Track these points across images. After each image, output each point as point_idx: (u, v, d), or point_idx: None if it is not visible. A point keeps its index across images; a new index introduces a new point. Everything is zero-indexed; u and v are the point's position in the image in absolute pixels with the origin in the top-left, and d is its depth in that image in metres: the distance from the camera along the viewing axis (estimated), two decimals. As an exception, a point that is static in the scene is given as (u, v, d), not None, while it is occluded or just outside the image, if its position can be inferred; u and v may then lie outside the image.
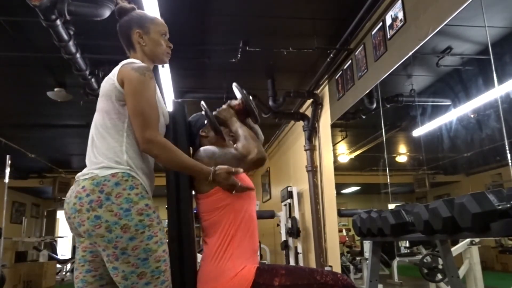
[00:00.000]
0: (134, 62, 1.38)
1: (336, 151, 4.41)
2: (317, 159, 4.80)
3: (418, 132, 3.23)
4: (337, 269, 4.14)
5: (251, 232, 1.45)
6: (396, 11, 2.85)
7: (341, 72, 3.97)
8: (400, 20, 2.80)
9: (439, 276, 2.86)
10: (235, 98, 1.68)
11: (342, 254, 4.70)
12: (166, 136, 1.47)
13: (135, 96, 1.27)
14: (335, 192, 4.27)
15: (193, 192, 1.51)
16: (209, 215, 1.43)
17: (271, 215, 5.54)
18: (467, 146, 2.73)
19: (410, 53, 2.68)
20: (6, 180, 4.90)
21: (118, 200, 1.21)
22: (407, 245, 5.02)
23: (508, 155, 1.95)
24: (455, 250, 3.08)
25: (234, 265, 1.35)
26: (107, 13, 2.77)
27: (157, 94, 1.38)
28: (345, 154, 4.66)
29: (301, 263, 5.05)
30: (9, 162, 4.88)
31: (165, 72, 3.68)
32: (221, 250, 1.38)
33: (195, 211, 1.51)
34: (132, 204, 1.23)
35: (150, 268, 1.22)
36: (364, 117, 3.91)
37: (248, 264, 1.37)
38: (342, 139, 4.56)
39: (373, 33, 3.21)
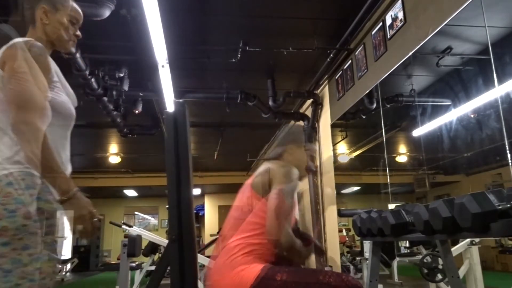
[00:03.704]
0: (22, 40, 1.23)
1: (336, 151, 4.41)
2: (317, 159, 4.80)
3: (418, 132, 3.23)
4: (337, 269, 4.14)
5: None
6: (396, 11, 2.85)
7: (341, 72, 3.97)
8: (400, 20, 2.80)
9: (439, 276, 2.86)
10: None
11: (342, 254, 4.70)
12: (167, 136, 1.47)
13: (12, 74, 1.13)
14: (335, 192, 4.27)
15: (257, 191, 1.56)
16: (257, 216, 1.49)
17: (271, 215, 5.53)
18: (467, 146, 2.73)
19: (410, 53, 2.68)
20: (6, 180, 4.88)
21: (5, 200, 1.06)
22: (407, 245, 5.02)
23: (508, 155, 1.95)
24: (455, 250, 3.08)
25: (245, 261, 1.42)
26: (107, 13, 2.77)
27: (51, 74, 1.23)
28: (345, 154, 4.66)
29: (301, 263, 5.05)
30: (9, 162, 4.87)
31: (165, 72, 3.68)
32: (241, 247, 1.44)
33: (195, 211, 1.52)
34: (20, 205, 1.07)
35: (8, 284, 1.01)
36: (364, 117, 3.91)
37: (260, 263, 1.42)
38: (342, 139, 4.56)
39: (373, 33, 3.21)
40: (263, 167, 1.63)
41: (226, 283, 1.41)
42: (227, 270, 1.42)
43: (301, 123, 5.02)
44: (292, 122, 5.68)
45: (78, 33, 1.37)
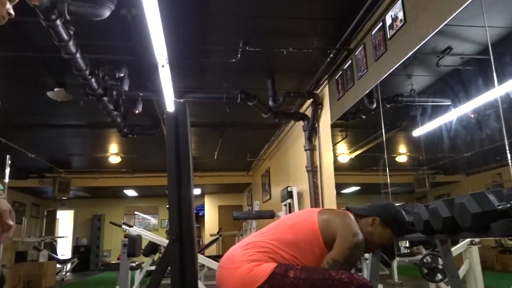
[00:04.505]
0: None
1: (336, 151, 4.41)
2: (317, 159, 4.80)
3: (418, 132, 3.23)
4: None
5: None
6: (396, 11, 2.85)
7: (341, 72, 3.97)
8: (400, 20, 2.80)
9: (439, 276, 2.86)
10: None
11: (342, 254, 4.68)
12: (168, 136, 1.47)
13: None
14: (335, 192, 4.26)
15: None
16: (303, 246, 1.49)
17: (271, 215, 5.54)
18: (467, 146, 2.72)
19: (410, 53, 2.68)
20: (6, 180, 4.89)
21: None
22: (407, 245, 5.02)
23: (508, 155, 1.95)
24: (455, 250, 3.08)
25: (264, 259, 1.45)
26: (107, 13, 2.77)
27: None
28: (345, 154, 4.66)
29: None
30: (9, 162, 4.88)
31: (165, 72, 3.68)
32: (267, 250, 1.47)
33: (195, 211, 1.52)
34: None
35: None
36: (364, 117, 3.91)
37: (272, 260, 1.46)
38: (342, 139, 4.55)
39: (373, 33, 3.21)
40: (341, 215, 1.56)
41: (240, 273, 1.43)
42: (244, 261, 1.44)
43: (301, 123, 5.02)
44: (293, 122, 5.68)
45: (11, 11, 1.10)
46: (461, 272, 3.08)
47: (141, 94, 4.40)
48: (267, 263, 1.43)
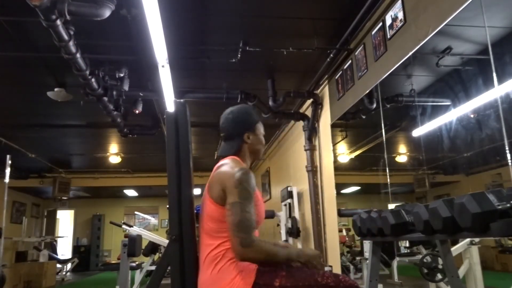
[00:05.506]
0: None
1: (336, 151, 4.41)
2: (317, 159, 4.80)
3: (418, 132, 3.23)
4: (337, 269, 4.15)
5: None
6: (396, 11, 2.85)
7: (341, 72, 3.97)
8: (400, 20, 2.80)
9: (439, 276, 2.86)
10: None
11: (342, 254, 4.70)
12: (168, 136, 1.47)
13: None
14: (335, 192, 4.27)
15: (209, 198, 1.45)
16: (222, 221, 1.39)
17: (271, 215, 5.54)
18: (467, 146, 2.72)
19: (410, 53, 2.68)
20: (6, 180, 4.89)
21: None
22: (407, 245, 5.02)
23: (508, 155, 1.95)
24: (455, 250, 3.08)
25: (234, 267, 1.35)
26: (107, 13, 2.77)
27: None
28: (345, 154, 4.66)
29: (301, 263, 5.04)
30: (9, 162, 4.88)
31: (165, 72, 3.68)
32: (222, 253, 1.37)
33: (196, 211, 1.51)
34: None
35: None
36: (364, 117, 3.91)
37: (249, 266, 1.37)
38: (342, 139, 4.56)
39: (373, 33, 3.21)
40: (218, 167, 1.50)
41: None
42: (218, 281, 1.34)
43: (301, 123, 5.02)
44: (293, 122, 5.68)
45: None
46: (461, 272, 3.08)
47: (141, 94, 4.40)
48: (242, 273, 1.34)
